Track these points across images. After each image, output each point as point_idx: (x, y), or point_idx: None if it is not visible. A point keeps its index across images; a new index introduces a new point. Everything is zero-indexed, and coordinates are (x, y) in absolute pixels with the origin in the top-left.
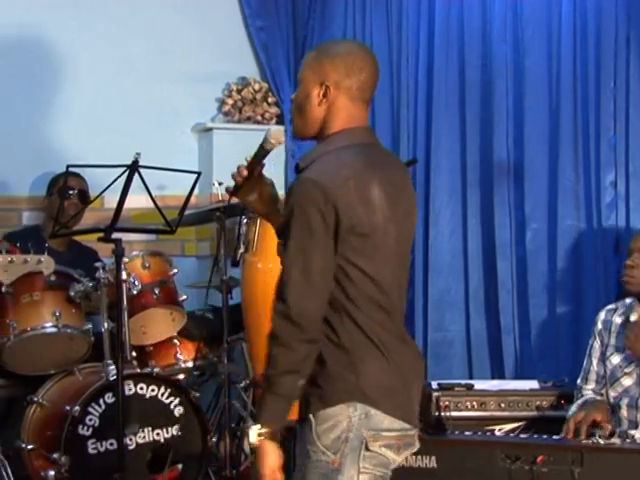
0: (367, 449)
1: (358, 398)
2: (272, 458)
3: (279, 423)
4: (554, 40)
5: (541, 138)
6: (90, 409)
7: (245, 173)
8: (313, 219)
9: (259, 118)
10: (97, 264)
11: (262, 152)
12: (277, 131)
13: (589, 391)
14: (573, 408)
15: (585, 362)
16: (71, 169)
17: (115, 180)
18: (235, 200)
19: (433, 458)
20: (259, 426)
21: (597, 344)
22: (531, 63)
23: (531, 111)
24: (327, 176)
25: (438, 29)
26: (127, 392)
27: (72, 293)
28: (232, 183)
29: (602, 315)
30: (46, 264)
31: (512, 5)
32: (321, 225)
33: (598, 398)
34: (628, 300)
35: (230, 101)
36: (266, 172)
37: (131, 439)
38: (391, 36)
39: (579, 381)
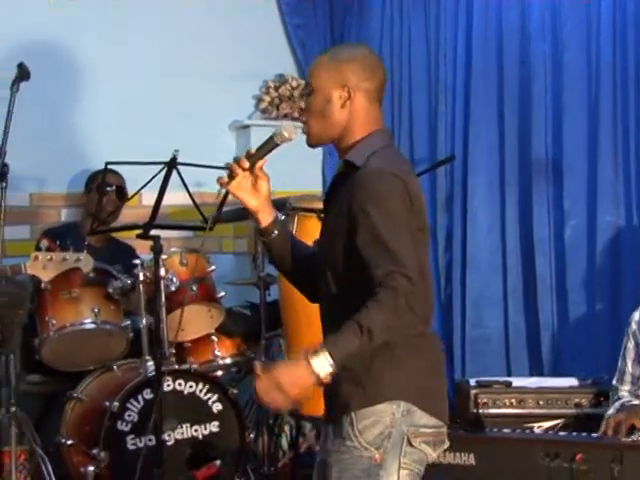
0: (410, 445)
1: (402, 395)
2: (306, 393)
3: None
4: (593, 35)
5: (580, 134)
6: (129, 405)
7: (246, 165)
8: (397, 203)
9: (296, 115)
10: (135, 261)
11: (271, 145)
12: (292, 126)
13: (625, 392)
14: (611, 410)
15: (620, 363)
16: (109, 166)
17: (153, 177)
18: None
19: (472, 455)
20: (331, 363)
21: (631, 345)
22: (570, 58)
23: (570, 107)
24: (397, 169)
25: (476, 25)
26: (165, 388)
27: (110, 290)
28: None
29: (636, 316)
30: (85, 262)
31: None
32: (404, 209)
33: (635, 402)
34: None
35: (267, 98)
36: (304, 169)
37: (170, 435)
38: (429, 33)
39: (614, 382)
